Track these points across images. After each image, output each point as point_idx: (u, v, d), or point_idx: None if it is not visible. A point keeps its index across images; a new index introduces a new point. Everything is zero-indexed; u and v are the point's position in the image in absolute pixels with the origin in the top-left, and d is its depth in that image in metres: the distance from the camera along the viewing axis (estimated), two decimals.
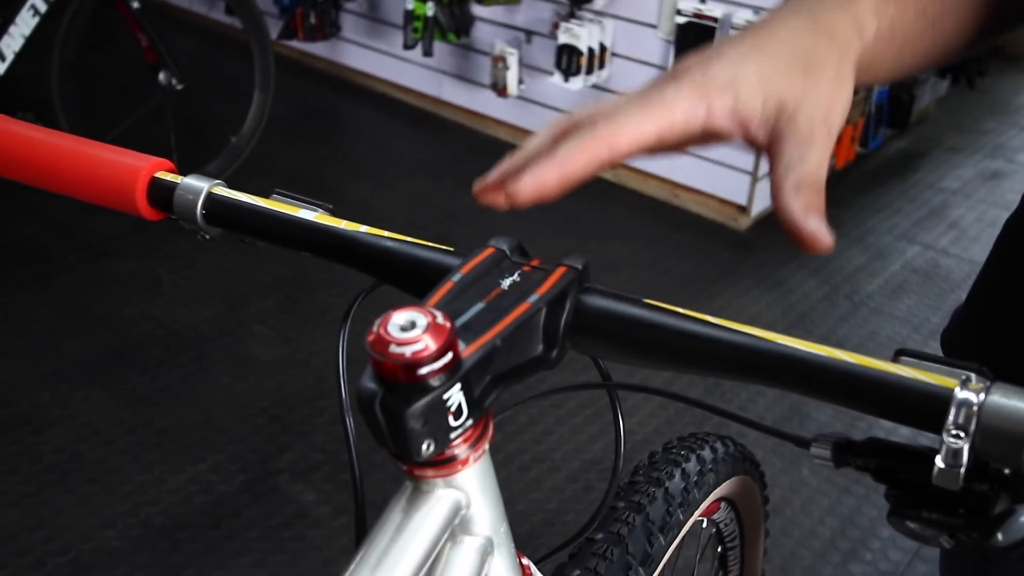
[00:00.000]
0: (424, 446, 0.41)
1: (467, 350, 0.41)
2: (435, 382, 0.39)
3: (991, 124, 3.86)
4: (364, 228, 0.54)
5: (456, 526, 0.46)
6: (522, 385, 0.46)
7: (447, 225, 2.86)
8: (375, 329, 0.39)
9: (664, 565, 0.77)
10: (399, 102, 3.69)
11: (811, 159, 0.48)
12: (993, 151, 3.59)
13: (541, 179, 0.47)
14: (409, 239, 0.53)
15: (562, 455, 1.93)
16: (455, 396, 0.40)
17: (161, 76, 2.69)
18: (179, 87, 2.71)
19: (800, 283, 2.63)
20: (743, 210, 2.87)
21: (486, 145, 3.38)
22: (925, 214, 3.08)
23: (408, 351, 0.38)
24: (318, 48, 3.83)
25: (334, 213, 0.57)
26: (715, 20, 2.65)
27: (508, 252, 0.49)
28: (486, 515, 0.47)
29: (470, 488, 0.45)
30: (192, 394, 2.07)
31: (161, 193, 0.59)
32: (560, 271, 0.47)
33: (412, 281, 0.52)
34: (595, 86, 3.00)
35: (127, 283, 2.46)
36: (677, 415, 2.06)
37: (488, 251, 0.49)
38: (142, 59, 2.71)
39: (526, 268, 0.48)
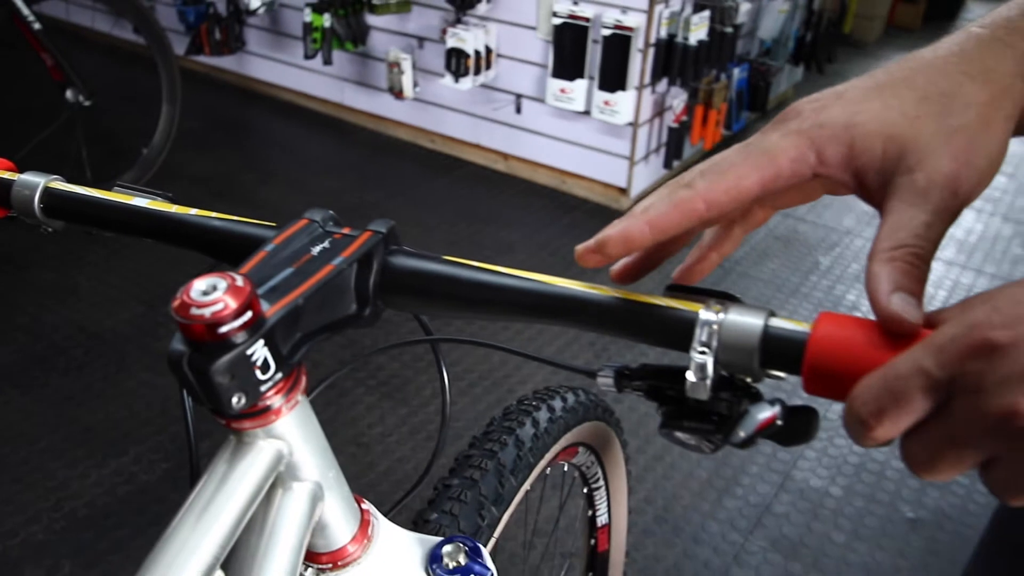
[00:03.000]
0: (235, 399, 0.41)
1: (271, 309, 0.42)
2: (238, 339, 0.40)
3: None
4: (194, 211, 0.54)
5: (283, 473, 0.46)
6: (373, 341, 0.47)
7: (355, 219, 2.81)
8: (179, 295, 0.39)
9: (521, 505, 0.78)
10: (305, 109, 3.64)
11: (918, 225, 0.37)
12: None
13: (628, 230, 0.42)
14: (234, 218, 0.53)
15: (464, 424, 1.94)
16: (259, 351, 0.41)
17: (68, 93, 2.59)
18: (87, 103, 2.61)
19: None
20: (623, 191, 2.92)
21: (388, 145, 3.36)
22: None
23: (208, 312, 0.38)
24: (225, 62, 3.74)
25: (174, 201, 0.57)
26: (587, 20, 2.68)
27: (321, 222, 0.50)
28: (311, 461, 0.47)
29: (290, 436, 0.45)
30: (114, 391, 2.01)
31: None
32: (365, 235, 0.48)
33: (237, 256, 0.52)
34: (483, 85, 3.01)
35: (47, 291, 2.37)
36: (568, 378, 2.08)
37: (302, 222, 0.49)
38: (48, 78, 2.61)
39: (337, 236, 0.49)
